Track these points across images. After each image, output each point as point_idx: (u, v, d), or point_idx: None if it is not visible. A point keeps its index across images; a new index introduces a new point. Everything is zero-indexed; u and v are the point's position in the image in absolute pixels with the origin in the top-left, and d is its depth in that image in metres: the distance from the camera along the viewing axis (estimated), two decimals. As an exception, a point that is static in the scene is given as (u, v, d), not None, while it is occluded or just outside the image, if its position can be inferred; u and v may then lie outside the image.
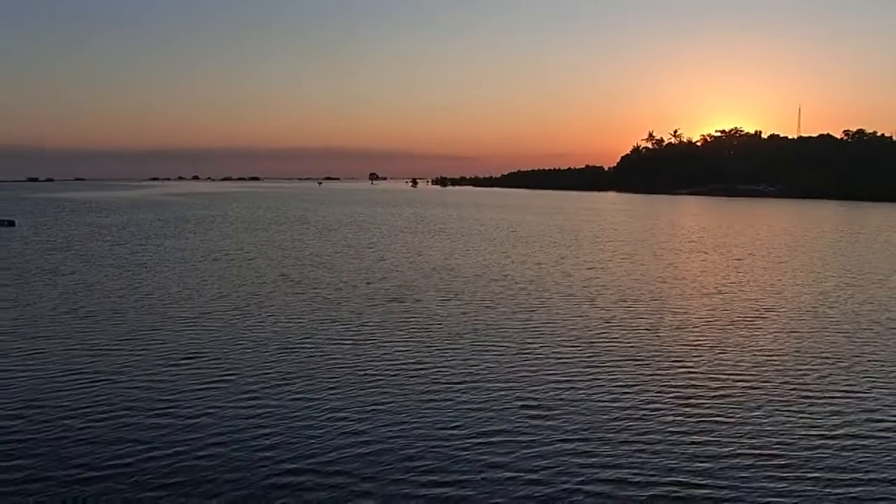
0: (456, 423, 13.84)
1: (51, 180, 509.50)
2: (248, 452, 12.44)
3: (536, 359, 18.64)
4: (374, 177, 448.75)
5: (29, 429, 13.56)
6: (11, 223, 68.48)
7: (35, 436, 13.21)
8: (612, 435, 13.22)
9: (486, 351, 19.48)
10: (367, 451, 12.53)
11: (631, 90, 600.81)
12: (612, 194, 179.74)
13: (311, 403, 15.05)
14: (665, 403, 15.06)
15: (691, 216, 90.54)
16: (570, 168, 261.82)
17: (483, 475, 11.55)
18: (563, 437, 13.15)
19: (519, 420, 14.04)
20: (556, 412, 14.48)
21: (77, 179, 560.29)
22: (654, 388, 16.13)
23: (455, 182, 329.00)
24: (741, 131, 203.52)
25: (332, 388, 16.10)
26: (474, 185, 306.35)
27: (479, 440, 12.99)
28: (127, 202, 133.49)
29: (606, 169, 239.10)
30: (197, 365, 18.07)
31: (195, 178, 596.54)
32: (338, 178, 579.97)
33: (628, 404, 14.98)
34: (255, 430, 13.51)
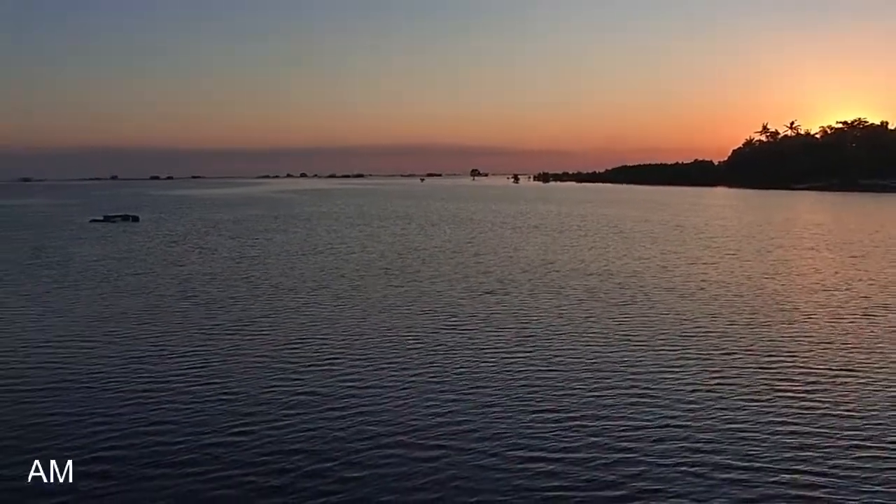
0: (559, 416, 14.03)
1: (171, 178, 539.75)
2: (350, 432, 13.08)
3: (630, 353, 18.51)
4: (475, 173, 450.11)
5: (154, 404, 14.77)
6: (136, 218, 73.33)
7: (159, 409, 14.39)
8: (717, 425, 13.07)
9: (580, 344, 19.50)
10: (473, 441, 12.90)
11: (743, 81, 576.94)
12: (722, 189, 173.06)
13: (404, 392, 15.61)
14: (763, 402, 14.69)
15: (807, 212, 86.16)
16: (677, 163, 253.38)
17: (597, 462, 11.71)
18: (668, 428, 13.09)
19: (620, 411, 14.08)
20: (656, 407, 14.41)
21: (194, 177, 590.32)
22: (748, 383, 15.73)
23: (558, 178, 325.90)
24: (865, 122, 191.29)
25: (425, 378, 16.61)
26: (577, 180, 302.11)
27: (580, 429, 13.13)
28: (239, 199, 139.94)
29: (716, 163, 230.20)
30: (301, 350, 19.04)
31: (303, 175, 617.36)
32: (440, 175, 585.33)
33: (731, 400, 14.70)
34: (354, 409, 14.19)
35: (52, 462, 11.55)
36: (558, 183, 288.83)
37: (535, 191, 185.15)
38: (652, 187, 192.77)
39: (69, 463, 11.58)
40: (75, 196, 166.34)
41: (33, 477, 11.19)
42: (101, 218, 73.63)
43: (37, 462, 11.56)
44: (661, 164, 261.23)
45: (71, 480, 11.11)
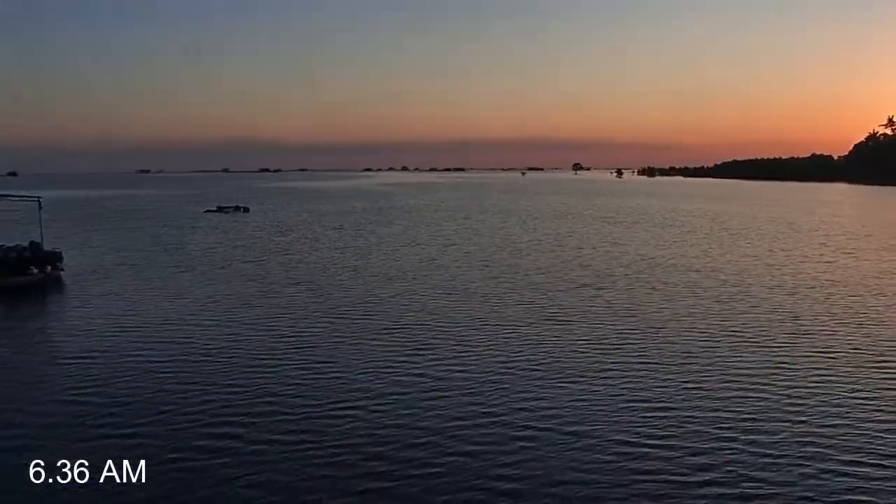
0: (655, 409, 13.90)
1: (279, 171, 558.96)
2: (446, 417, 13.42)
3: (729, 351, 18.00)
4: (577, 167, 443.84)
5: (260, 381, 15.62)
6: (247, 209, 76.70)
7: (265, 385, 15.22)
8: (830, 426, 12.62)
9: (678, 340, 19.11)
10: (565, 433, 12.99)
11: (865, 71, 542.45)
12: (842, 185, 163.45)
13: (497, 379, 15.81)
14: (878, 405, 14.01)
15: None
16: (792, 157, 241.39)
17: (700, 458, 11.59)
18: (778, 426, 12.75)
19: (719, 405, 13.80)
20: (757, 405, 14.03)
21: (301, 170, 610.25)
22: (853, 381, 15.02)
23: (663, 172, 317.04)
24: None
25: (518, 367, 16.75)
26: (684, 175, 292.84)
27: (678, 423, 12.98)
28: (343, 191, 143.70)
29: (836, 158, 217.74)
30: (398, 338, 19.58)
31: (404, 168, 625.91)
32: (541, 169, 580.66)
33: (844, 402, 14.13)
34: (449, 394, 14.52)
35: (180, 431, 12.50)
36: (664, 178, 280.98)
37: (639, 185, 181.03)
38: (764, 183, 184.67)
39: (189, 427, 12.54)
40: (189, 187, 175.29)
41: (159, 433, 12.14)
42: (215, 208, 77.45)
43: (160, 430, 12.50)
44: (774, 158, 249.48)
45: (191, 444, 11.98)
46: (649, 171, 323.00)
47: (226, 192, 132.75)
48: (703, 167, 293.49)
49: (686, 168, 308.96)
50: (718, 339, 19.27)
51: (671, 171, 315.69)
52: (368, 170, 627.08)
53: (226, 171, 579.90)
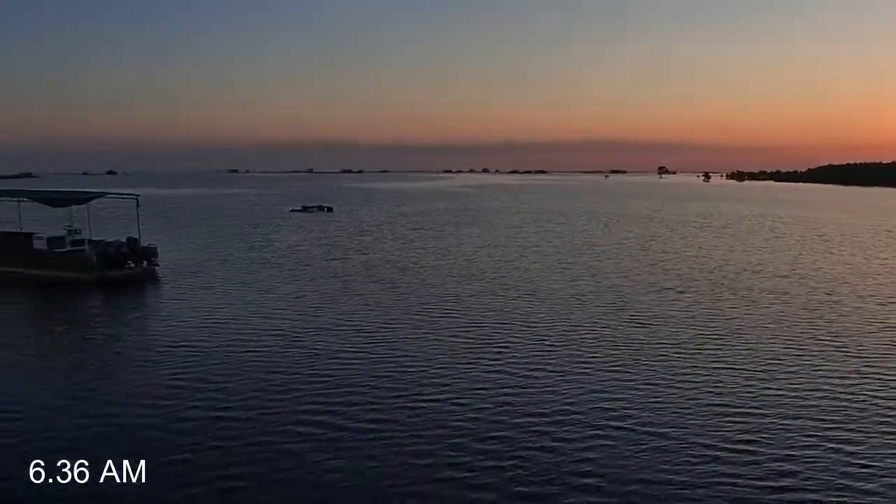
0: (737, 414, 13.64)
1: (361, 172, 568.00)
2: (521, 416, 13.53)
3: (813, 358, 17.38)
4: (662, 170, 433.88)
5: (339, 372, 16.11)
6: (330, 209, 78.48)
7: (345, 378, 15.70)
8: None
9: (760, 345, 18.60)
10: (648, 434, 12.89)
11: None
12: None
13: (574, 379, 15.78)
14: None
15: None
16: (894, 162, 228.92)
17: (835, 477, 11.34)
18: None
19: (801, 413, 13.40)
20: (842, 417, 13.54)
21: (382, 171, 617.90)
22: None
23: (753, 177, 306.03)
24: None
25: (594, 369, 16.68)
26: (775, 179, 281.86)
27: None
28: (423, 192, 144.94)
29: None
30: (472, 337, 19.86)
31: (485, 170, 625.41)
32: (624, 172, 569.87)
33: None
34: (526, 393, 14.64)
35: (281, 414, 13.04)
36: (754, 182, 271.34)
37: (727, 190, 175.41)
38: (863, 189, 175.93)
39: (275, 415, 13.12)
40: (275, 187, 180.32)
41: (257, 417, 12.71)
42: (300, 208, 79.62)
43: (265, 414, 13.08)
44: (874, 162, 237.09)
45: (289, 433, 12.49)
46: (738, 176, 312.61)
47: (310, 192, 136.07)
48: (795, 171, 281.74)
49: (778, 172, 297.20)
50: (805, 346, 18.70)
51: (761, 176, 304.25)
52: (449, 171, 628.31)
53: (310, 171, 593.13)
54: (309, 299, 25.34)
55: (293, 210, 78.20)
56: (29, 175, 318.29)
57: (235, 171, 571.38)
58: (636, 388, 15.12)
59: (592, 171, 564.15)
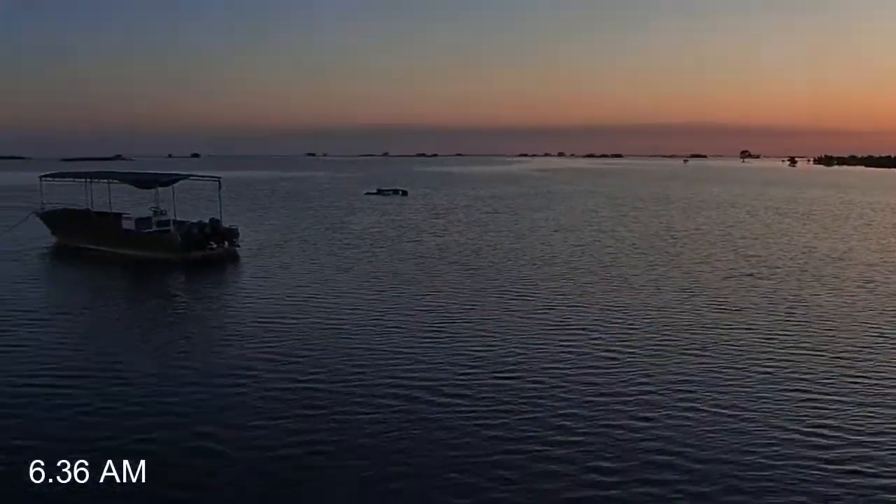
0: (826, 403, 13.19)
1: (436, 155, 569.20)
2: (605, 399, 13.38)
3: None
4: (745, 154, 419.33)
5: (416, 351, 16.32)
6: (405, 193, 79.01)
7: (420, 356, 15.88)
8: None
9: (844, 332, 17.91)
10: (735, 418, 12.56)
11: None
12: None
13: (657, 365, 15.48)
14: None
15: None
16: None
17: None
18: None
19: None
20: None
21: (457, 155, 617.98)
22: None
23: (842, 161, 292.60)
24: None
25: (668, 351, 16.29)
26: (866, 165, 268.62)
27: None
28: (498, 176, 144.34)
29: None
30: (548, 317, 19.82)
31: (560, 154, 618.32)
32: (704, 157, 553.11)
33: None
34: (603, 377, 14.51)
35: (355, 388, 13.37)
36: (843, 167, 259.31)
37: (814, 175, 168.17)
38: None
39: (351, 390, 13.52)
40: (352, 170, 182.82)
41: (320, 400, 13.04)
42: (375, 191, 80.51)
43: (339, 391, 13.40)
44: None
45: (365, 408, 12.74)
46: (826, 160, 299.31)
47: (385, 176, 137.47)
48: (889, 157, 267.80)
49: (870, 157, 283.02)
50: (890, 335, 17.86)
51: (851, 161, 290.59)
52: (524, 155, 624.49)
53: (385, 155, 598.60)
54: (385, 280, 25.70)
55: (368, 193, 79.12)
56: (119, 157, 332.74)
57: (313, 154, 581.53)
58: (714, 372, 14.85)
59: (670, 156, 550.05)
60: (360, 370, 15.07)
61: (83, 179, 37.81)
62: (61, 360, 15.95)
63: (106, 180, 37.23)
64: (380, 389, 13.87)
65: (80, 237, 35.10)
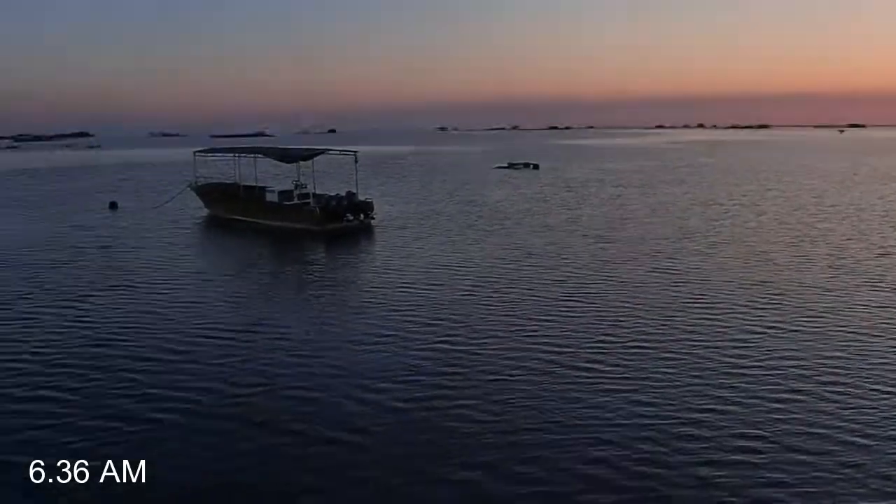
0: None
1: (568, 128, 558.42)
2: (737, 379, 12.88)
3: None
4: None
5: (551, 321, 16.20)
6: (536, 166, 78.34)
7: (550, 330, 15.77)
8: None
9: None
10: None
11: None
12: None
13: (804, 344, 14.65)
14: None
15: None
16: None
17: None
18: None
19: None
20: None
21: (589, 127, 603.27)
22: None
23: None
24: None
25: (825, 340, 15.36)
26: None
27: None
28: (633, 149, 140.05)
29: None
30: (679, 290, 19.12)
31: (700, 126, 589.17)
32: (863, 126, 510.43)
33: None
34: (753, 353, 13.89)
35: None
36: None
37: None
38: None
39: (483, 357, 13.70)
40: (482, 144, 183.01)
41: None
42: (506, 165, 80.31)
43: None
44: None
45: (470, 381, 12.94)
46: None
47: (515, 149, 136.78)
48: None
49: None
50: None
51: None
52: (661, 127, 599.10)
53: (515, 128, 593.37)
54: (515, 252, 25.82)
55: (499, 167, 79.07)
56: (262, 134, 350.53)
57: (444, 128, 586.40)
58: (871, 357, 13.86)
59: (824, 126, 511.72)
60: (490, 338, 15.31)
61: (232, 155, 40.17)
62: (223, 317, 17.65)
63: (252, 155, 39.33)
64: (511, 354, 14.13)
65: (229, 209, 37.40)
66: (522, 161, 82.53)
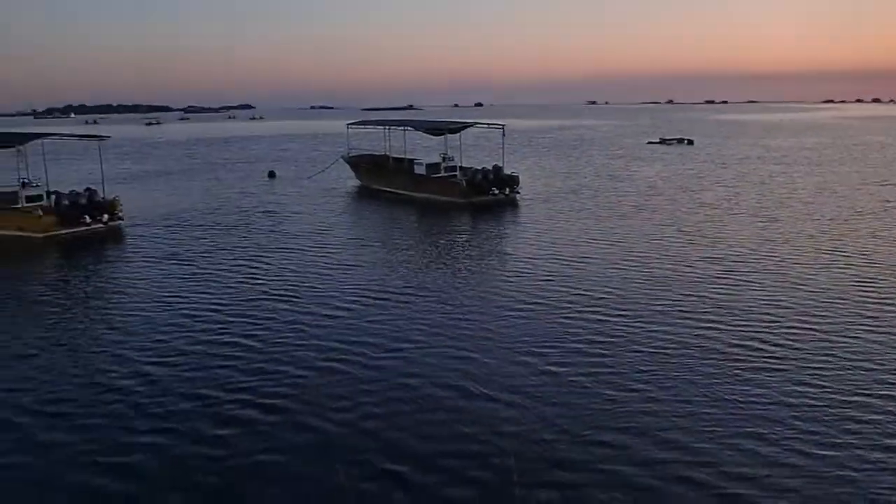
0: None
1: (725, 102, 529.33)
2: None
3: None
4: None
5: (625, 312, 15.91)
6: (690, 142, 75.09)
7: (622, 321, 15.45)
8: None
9: None
10: None
11: None
12: None
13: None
14: None
15: None
16: None
17: None
18: None
19: None
20: None
21: (749, 101, 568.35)
22: None
23: None
24: None
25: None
26: None
27: None
28: (796, 125, 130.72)
29: None
30: (844, 273, 18.07)
31: (875, 100, 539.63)
32: None
33: None
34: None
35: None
36: None
37: None
38: None
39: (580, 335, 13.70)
40: (633, 118, 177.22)
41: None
42: (658, 140, 77.63)
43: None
44: None
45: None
46: None
47: (669, 124, 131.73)
48: None
49: None
50: None
51: None
52: (829, 101, 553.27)
53: (670, 102, 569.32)
54: (667, 229, 25.35)
55: (651, 142, 76.62)
56: (410, 107, 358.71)
57: (594, 102, 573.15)
58: None
59: None
60: (642, 312, 15.33)
61: (382, 127, 41.55)
62: (381, 280, 18.88)
63: (402, 128, 40.49)
64: (664, 329, 14.14)
65: (378, 180, 38.83)
66: (676, 136, 79.45)
